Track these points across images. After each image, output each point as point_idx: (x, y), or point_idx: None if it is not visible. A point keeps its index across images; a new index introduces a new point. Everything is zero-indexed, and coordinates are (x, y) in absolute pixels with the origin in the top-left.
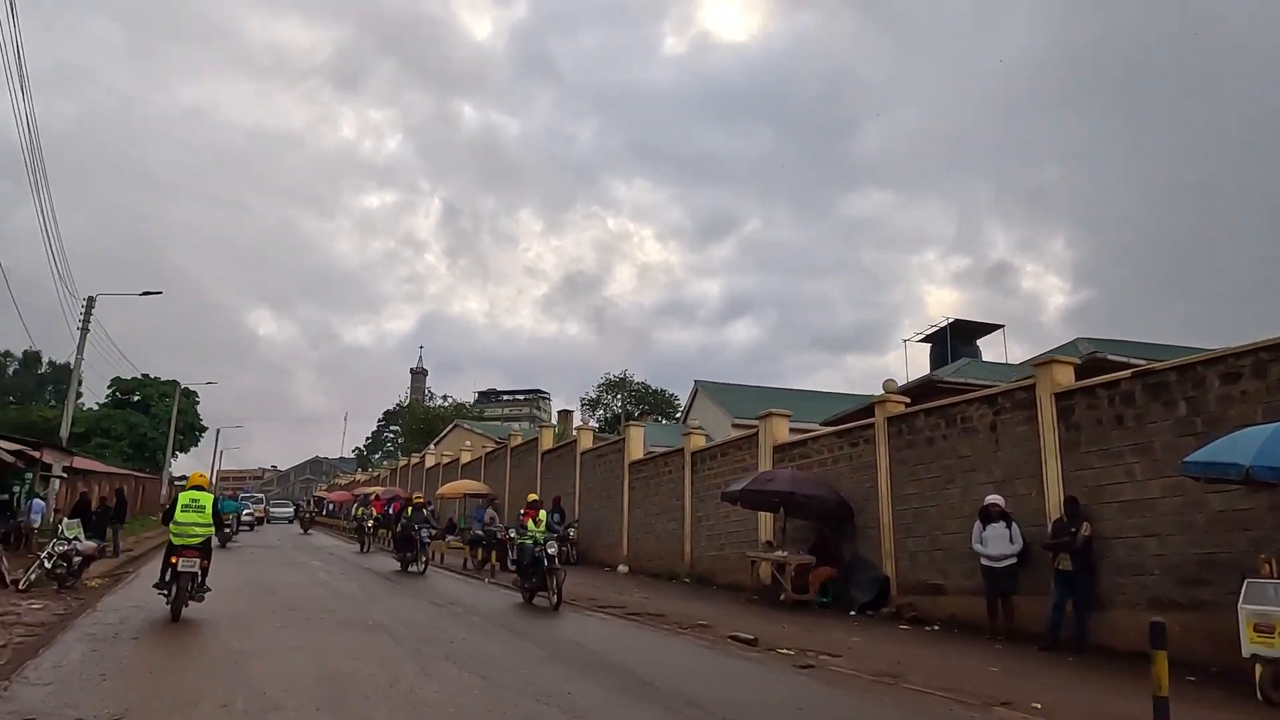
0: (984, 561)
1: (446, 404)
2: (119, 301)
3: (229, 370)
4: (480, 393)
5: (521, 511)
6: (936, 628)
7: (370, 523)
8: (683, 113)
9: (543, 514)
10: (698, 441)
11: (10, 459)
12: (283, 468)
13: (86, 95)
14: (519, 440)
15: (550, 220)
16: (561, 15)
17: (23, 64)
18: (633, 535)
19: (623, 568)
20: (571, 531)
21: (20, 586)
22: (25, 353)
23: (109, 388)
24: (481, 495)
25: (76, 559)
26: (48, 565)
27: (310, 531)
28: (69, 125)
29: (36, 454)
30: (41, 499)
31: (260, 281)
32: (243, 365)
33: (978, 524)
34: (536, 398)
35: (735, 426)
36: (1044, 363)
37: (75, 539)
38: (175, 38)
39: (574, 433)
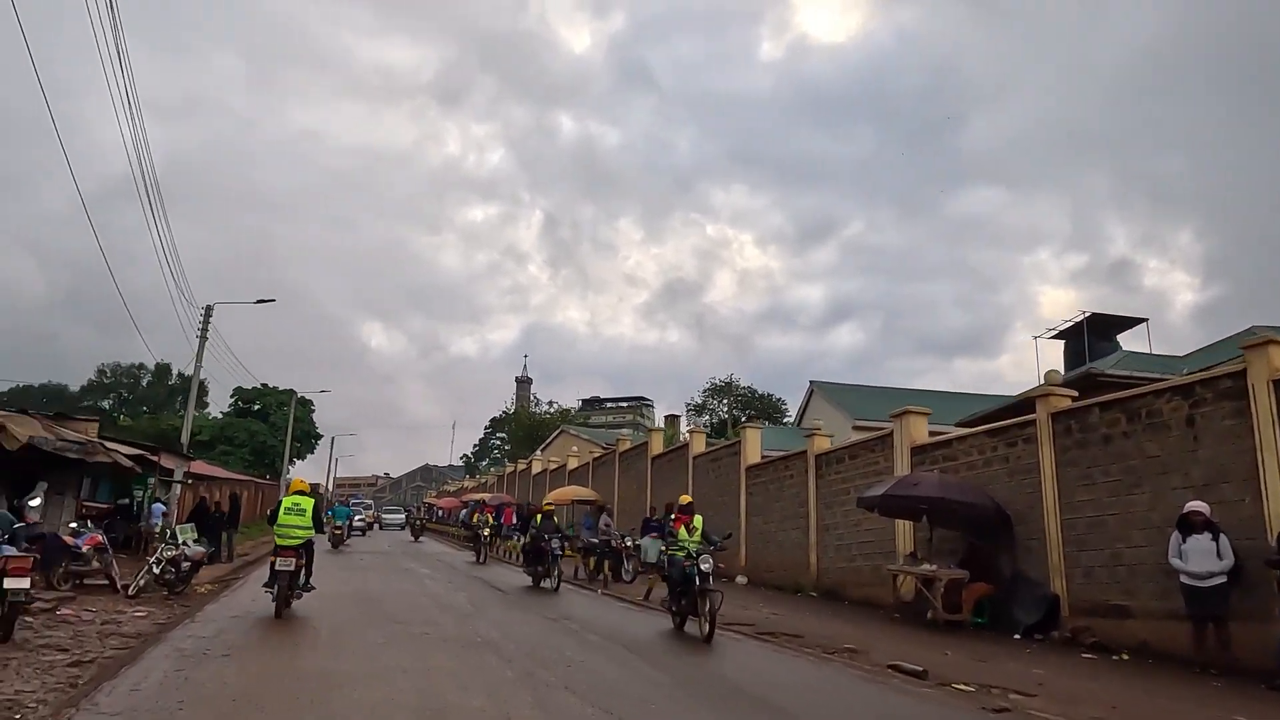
0: (1185, 580)
1: (552, 410)
2: (240, 318)
3: (342, 382)
4: (584, 400)
5: (672, 517)
6: (1126, 656)
7: (486, 530)
8: (781, 117)
9: (698, 520)
10: (822, 444)
11: (129, 464)
12: (394, 475)
13: (210, 123)
14: (627, 445)
15: (650, 228)
16: (658, 25)
17: (134, 98)
18: (751, 544)
19: (741, 579)
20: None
21: (129, 592)
22: (157, 365)
23: (231, 397)
24: (589, 502)
25: (185, 564)
26: (156, 571)
27: (421, 539)
28: (194, 151)
29: (155, 459)
30: (163, 503)
31: (371, 295)
32: (355, 377)
33: (1175, 535)
34: (640, 405)
35: (857, 429)
36: (1258, 344)
37: (184, 544)
38: (291, 65)
39: (684, 437)
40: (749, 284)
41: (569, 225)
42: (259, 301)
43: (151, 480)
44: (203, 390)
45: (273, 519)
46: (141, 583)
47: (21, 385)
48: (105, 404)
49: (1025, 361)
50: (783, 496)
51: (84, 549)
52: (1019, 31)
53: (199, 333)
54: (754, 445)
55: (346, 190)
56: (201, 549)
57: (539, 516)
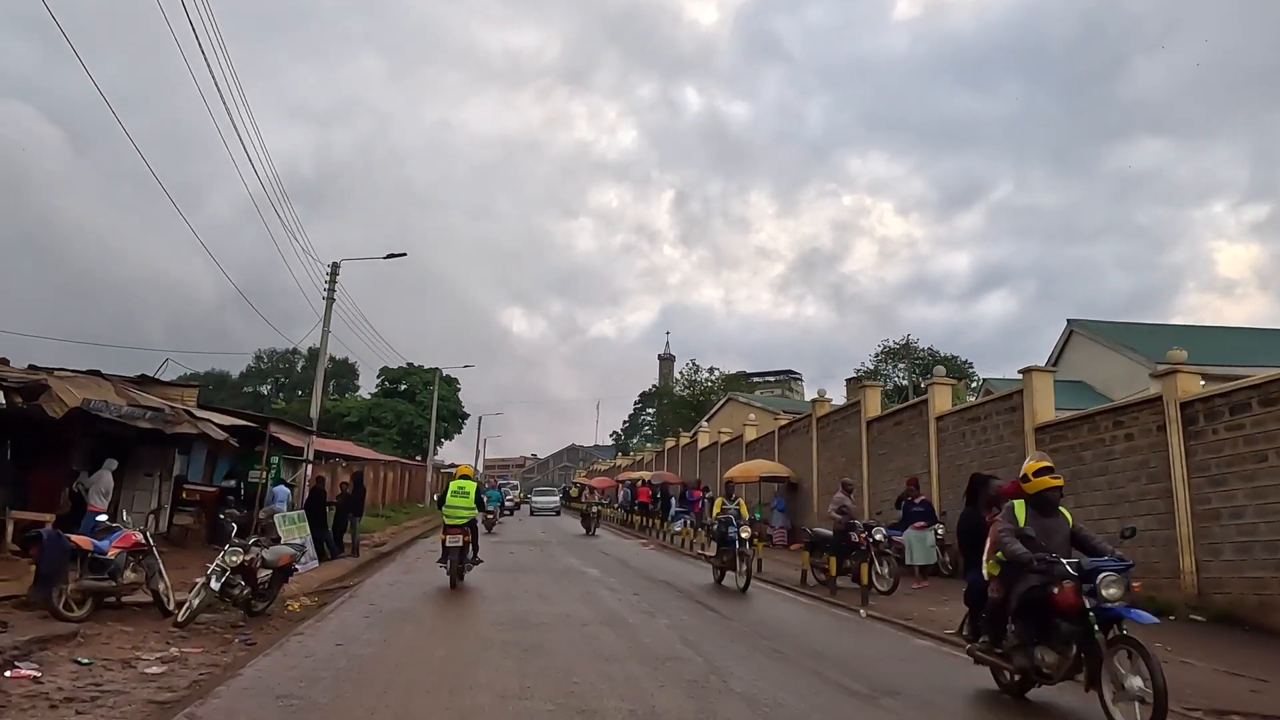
0: None
1: (714, 377)
2: (389, 306)
3: (487, 367)
4: (728, 376)
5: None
6: None
7: (595, 508)
8: (919, 78)
9: (1020, 507)
10: (1190, 385)
11: (222, 435)
12: (541, 456)
13: (357, 123)
14: (826, 409)
15: (784, 201)
16: None
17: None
18: None
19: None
20: (940, 531)
21: (179, 618)
22: (310, 349)
23: (378, 377)
24: (780, 479)
25: (264, 574)
26: (215, 586)
27: (597, 532)
28: (345, 152)
29: (265, 431)
30: (288, 486)
31: (511, 281)
32: (499, 361)
33: None
34: (789, 379)
35: (1161, 377)
36: None
37: (257, 544)
38: (427, 61)
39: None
40: (890, 253)
41: (700, 202)
42: (389, 256)
43: (275, 461)
44: (352, 373)
45: (441, 502)
46: (195, 603)
47: (188, 372)
48: (264, 389)
49: (1200, 323)
50: (1109, 467)
51: (109, 554)
52: None
53: (325, 293)
54: (1045, 396)
55: (485, 179)
56: (289, 549)
57: (715, 498)
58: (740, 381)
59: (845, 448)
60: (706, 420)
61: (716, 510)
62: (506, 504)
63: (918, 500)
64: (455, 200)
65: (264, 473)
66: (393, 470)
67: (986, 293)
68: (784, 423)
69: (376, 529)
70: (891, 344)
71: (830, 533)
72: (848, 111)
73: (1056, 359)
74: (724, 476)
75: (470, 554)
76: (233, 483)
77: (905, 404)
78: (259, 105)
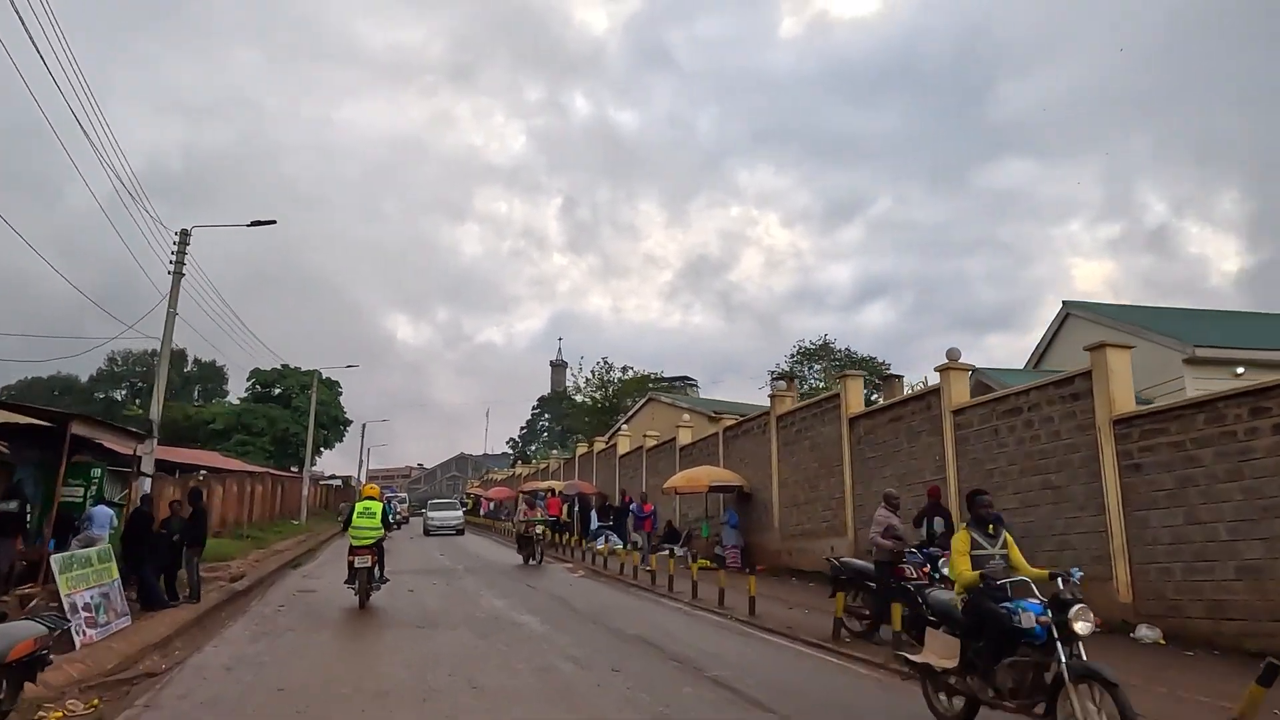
0: None
1: (627, 376)
2: (264, 308)
3: (370, 373)
4: (642, 377)
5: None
6: None
7: (540, 528)
8: (806, 94)
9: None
10: None
11: None
12: (428, 465)
13: (235, 119)
14: (789, 405)
15: (674, 210)
16: (675, 5)
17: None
18: (1140, 557)
19: (1146, 631)
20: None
21: None
22: (171, 352)
23: (249, 380)
24: (731, 487)
25: None
26: None
27: (539, 559)
28: (222, 148)
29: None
30: (114, 506)
31: (397, 285)
32: (384, 367)
33: None
34: (685, 385)
35: (1195, 363)
36: None
37: None
38: (310, 57)
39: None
40: (776, 263)
41: (590, 210)
42: (255, 223)
43: (96, 472)
44: (220, 378)
45: (347, 524)
46: None
47: (30, 378)
48: (118, 394)
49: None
50: (1245, 469)
51: None
52: None
53: (172, 266)
54: (1124, 381)
55: (370, 180)
56: (31, 631)
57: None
58: (664, 381)
59: (819, 450)
60: (625, 423)
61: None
62: (394, 519)
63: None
64: (338, 200)
65: (86, 489)
66: (262, 483)
67: (867, 303)
68: (730, 423)
69: (237, 554)
70: (808, 344)
71: (868, 565)
72: (736, 124)
73: (1046, 347)
74: (666, 486)
75: (378, 574)
76: (13, 505)
77: (909, 395)
78: (126, 96)
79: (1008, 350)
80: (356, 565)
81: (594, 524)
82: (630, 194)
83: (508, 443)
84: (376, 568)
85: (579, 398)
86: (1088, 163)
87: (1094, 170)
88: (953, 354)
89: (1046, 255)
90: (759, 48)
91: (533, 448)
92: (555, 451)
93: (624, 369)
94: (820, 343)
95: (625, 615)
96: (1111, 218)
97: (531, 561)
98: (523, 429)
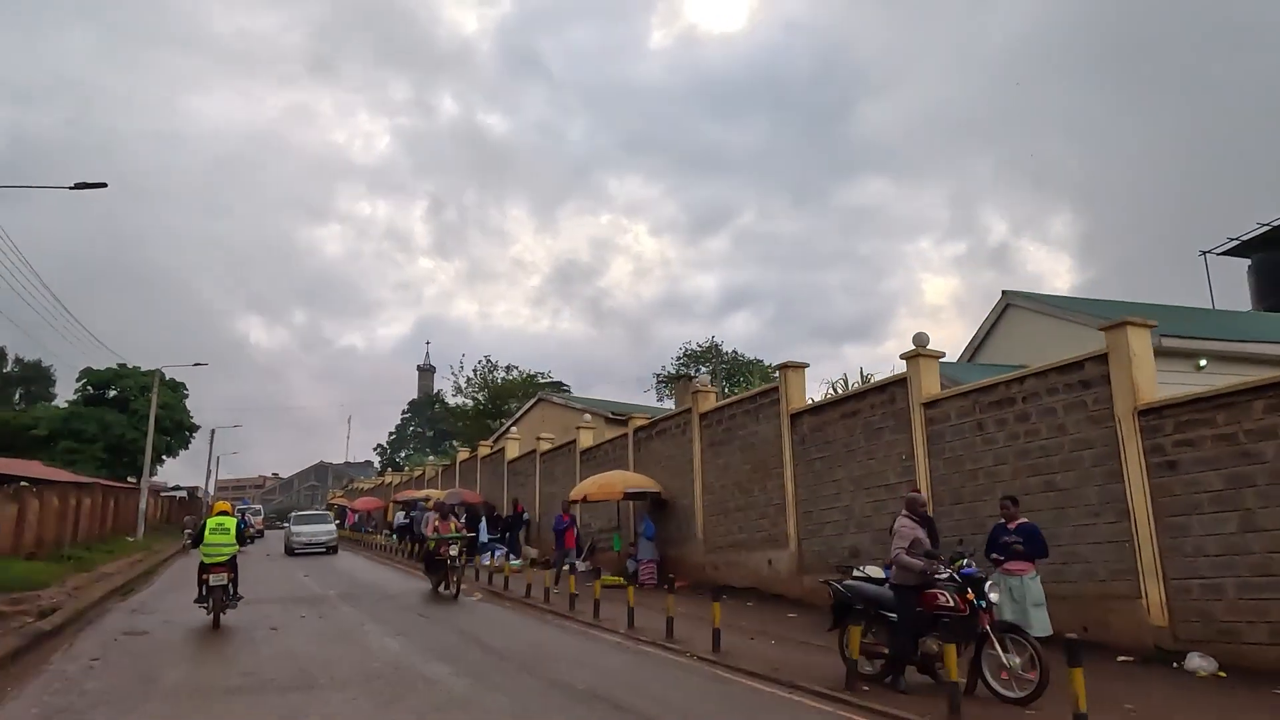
0: None
1: (513, 377)
2: (101, 303)
3: (220, 377)
4: (446, 405)
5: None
6: None
7: (455, 549)
8: (674, 106)
9: None
10: None
11: None
12: (284, 475)
13: (71, 104)
14: (713, 402)
15: (543, 217)
16: (546, 12)
17: None
18: (1177, 569)
19: (1200, 661)
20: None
21: None
22: None
23: (79, 380)
24: (645, 493)
25: None
26: None
27: (455, 590)
28: (55, 134)
29: None
30: None
31: (250, 286)
32: (235, 372)
33: None
34: (558, 390)
35: (1162, 354)
36: None
37: None
38: (148, 40)
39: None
40: (645, 272)
41: (457, 213)
42: (79, 186)
43: None
44: (47, 379)
45: (198, 541)
46: None
47: None
48: None
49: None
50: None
51: None
52: (907, 18)
53: None
54: (1146, 366)
55: (221, 174)
56: None
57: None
58: (553, 383)
59: (753, 451)
60: (512, 425)
61: None
62: (248, 533)
63: (1013, 525)
64: (183, 194)
65: None
66: (91, 495)
67: (731, 313)
68: (642, 423)
69: (52, 581)
70: (695, 346)
71: (882, 590)
72: (606, 133)
73: (984, 338)
74: (574, 494)
75: (232, 591)
76: None
77: (867, 387)
78: None
79: (863, 358)
80: (212, 583)
81: (484, 536)
82: (499, 199)
83: (375, 449)
84: (232, 585)
85: (457, 400)
86: (937, 183)
87: (943, 191)
88: (920, 339)
89: (899, 270)
90: (629, 59)
91: (402, 454)
92: (432, 458)
93: (508, 368)
94: (708, 344)
95: (560, 658)
96: (957, 236)
97: (445, 590)
98: (391, 435)
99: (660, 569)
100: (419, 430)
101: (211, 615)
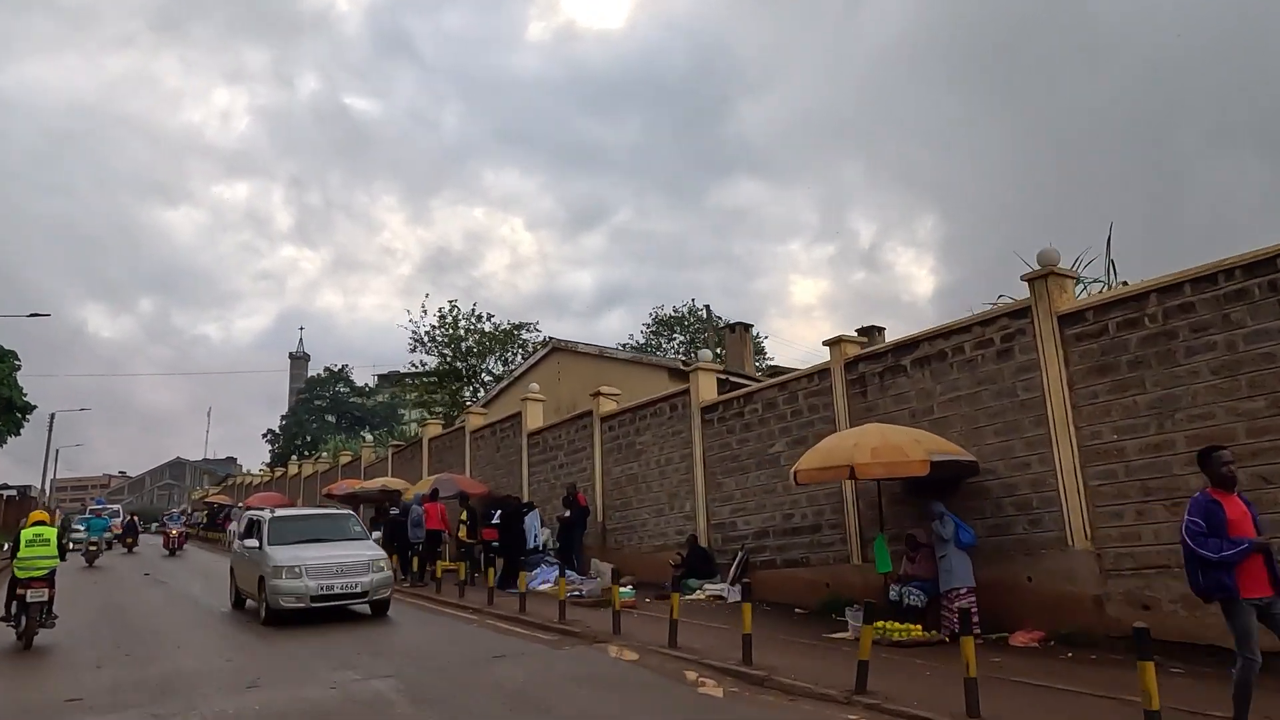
0: None
1: (495, 327)
2: None
3: (55, 367)
4: (380, 376)
5: None
6: None
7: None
8: (551, 100)
9: None
10: None
11: None
12: (133, 473)
13: None
14: (858, 354)
15: (416, 206)
16: None
17: None
18: None
19: None
20: None
21: None
22: None
23: None
24: (964, 464)
25: None
26: None
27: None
28: None
29: None
30: None
31: (91, 272)
32: (72, 362)
33: None
34: (404, 390)
35: None
36: None
37: None
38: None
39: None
40: (521, 266)
41: (323, 199)
42: None
43: None
44: None
45: (14, 552)
46: None
47: None
48: None
49: (776, 347)
50: None
51: None
52: (784, 20)
53: None
54: None
55: (58, 150)
56: None
57: None
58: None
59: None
60: (512, 384)
61: None
62: (106, 537)
63: None
64: (11, 169)
65: None
66: None
67: (607, 310)
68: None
69: None
70: (669, 312)
71: None
72: (481, 123)
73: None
74: (802, 468)
75: (48, 608)
76: None
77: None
78: None
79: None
80: (30, 600)
81: (534, 537)
82: (368, 185)
83: (266, 435)
84: (49, 603)
85: (416, 357)
86: (809, 184)
87: (812, 195)
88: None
89: (771, 271)
90: (505, 49)
91: (300, 441)
92: (368, 439)
93: (487, 316)
94: (687, 307)
95: None
96: (827, 238)
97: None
98: (284, 419)
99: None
100: (319, 411)
101: (22, 638)
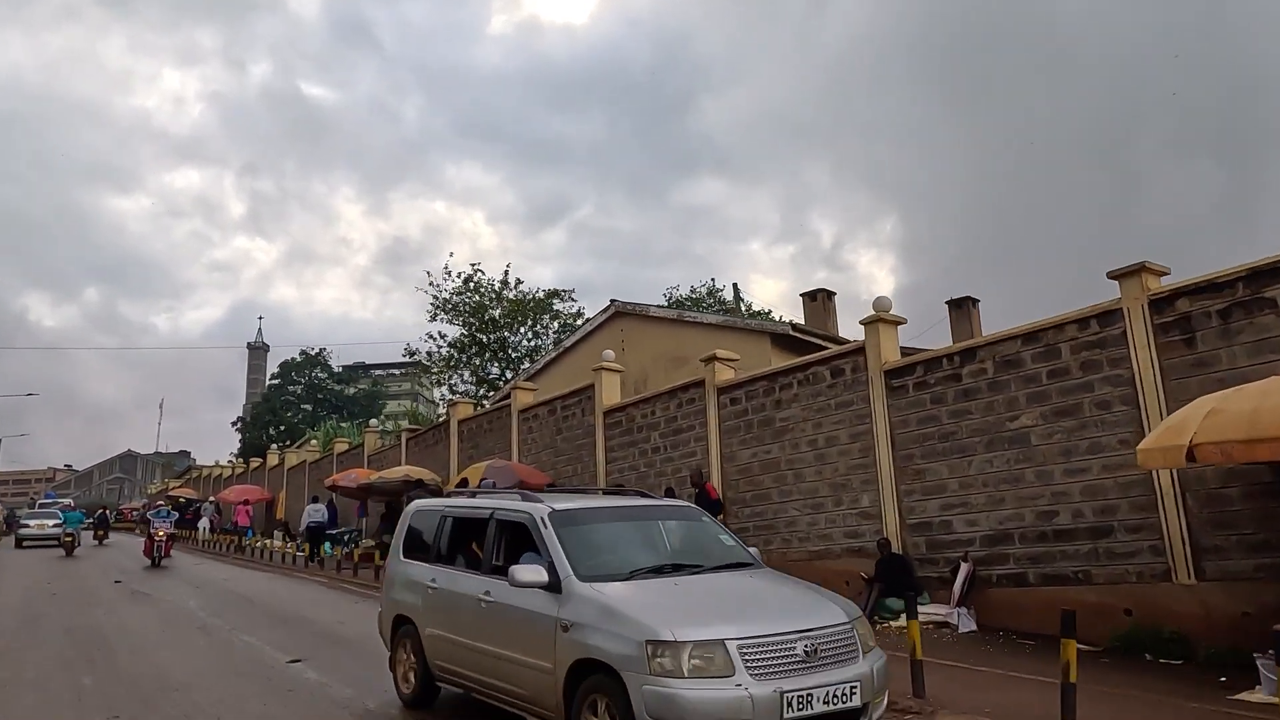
0: None
1: (529, 292)
2: None
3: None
4: (345, 367)
5: None
6: None
7: None
8: (513, 94)
9: None
10: None
11: None
12: (80, 467)
13: None
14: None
15: (375, 198)
16: None
17: None
18: None
19: None
20: None
21: None
22: None
23: None
24: None
25: None
26: None
27: None
28: None
29: None
30: None
31: (34, 260)
32: (10, 354)
33: None
34: (420, 371)
35: None
36: None
37: None
38: None
39: None
40: (482, 260)
41: (277, 188)
42: None
43: None
44: None
45: None
46: None
47: None
48: None
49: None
50: None
51: None
52: (746, 17)
53: None
54: None
55: (5, 135)
56: None
57: None
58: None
59: None
60: (570, 348)
61: None
62: (50, 529)
63: None
64: None
65: None
66: None
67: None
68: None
69: None
70: (687, 293)
71: None
72: (442, 115)
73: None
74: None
75: None
76: None
77: None
78: None
79: None
80: None
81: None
82: (326, 175)
83: (235, 423)
84: None
85: (435, 327)
86: (769, 188)
87: (773, 196)
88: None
89: (732, 270)
90: (467, 41)
91: (273, 431)
92: (345, 426)
93: (516, 283)
94: (706, 287)
95: None
96: (786, 240)
97: None
98: (255, 407)
99: None
100: (294, 394)
101: None
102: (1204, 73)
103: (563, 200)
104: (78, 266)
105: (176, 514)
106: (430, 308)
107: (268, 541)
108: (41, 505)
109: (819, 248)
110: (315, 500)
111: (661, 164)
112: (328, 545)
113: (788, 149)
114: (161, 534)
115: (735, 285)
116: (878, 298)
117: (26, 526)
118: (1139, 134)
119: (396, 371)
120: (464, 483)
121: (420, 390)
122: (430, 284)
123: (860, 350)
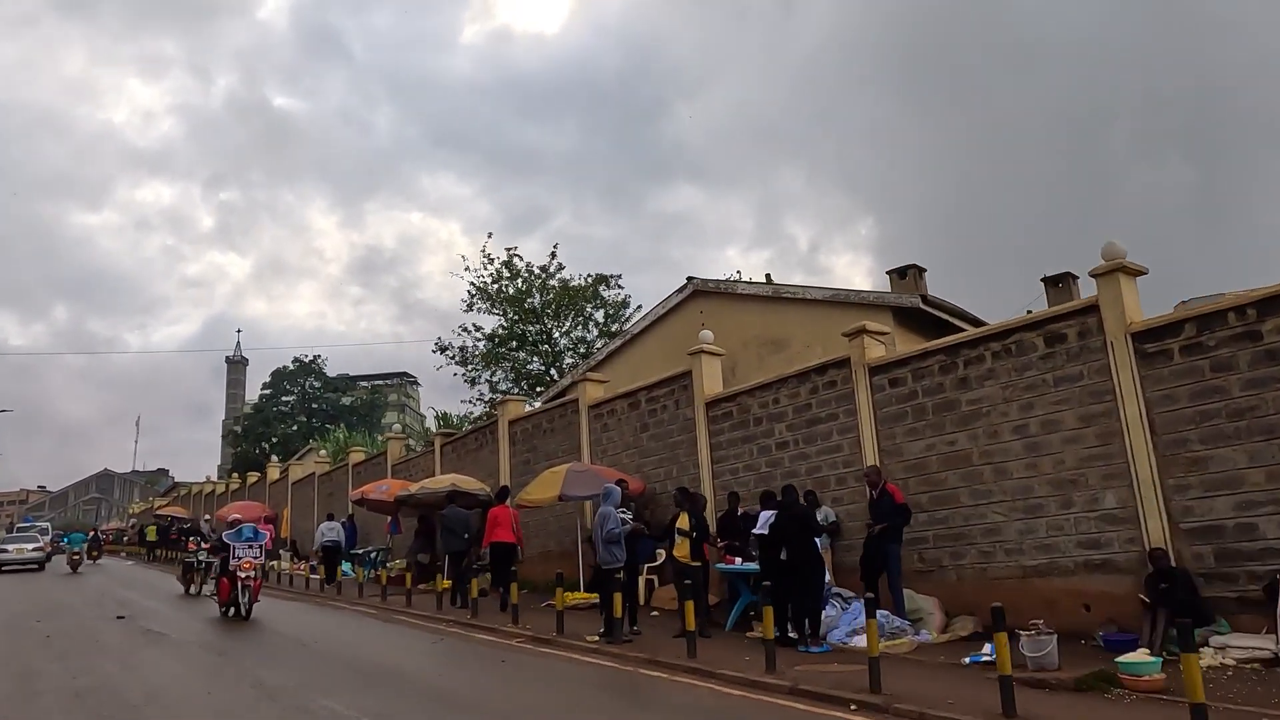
0: None
1: (562, 283)
2: None
3: None
4: (330, 378)
5: None
6: None
7: None
8: (486, 104)
9: None
10: None
11: None
12: (54, 488)
13: None
14: None
15: (349, 210)
16: None
17: None
18: None
19: None
20: None
21: None
22: None
23: None
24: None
25: None
26: None
27: None
28: None
29: None
30: None
31: (1, 278)
32: None
33: None
34: (403, 381)
35: None
36: None
37: None
38: None
39: None
40: (459, 269)
41: (246, 201)
42: None
43: None
44: None
45: None
46: None
47: None
48: None
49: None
50: None
51: None
52: (715, 22)
53: None
54: None
55: None
56: None
57: None
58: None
59: None
60: (632, 339)
61: None
62: (30, 553)
63: None
64: None
65: None
66: None
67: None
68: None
69: None
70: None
71: None
72: (415, 126)
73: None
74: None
75: None
76: None
77: None
78: None
79: None
80: None
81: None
82: (298, 187)
83: (226, 438)
84: None
85: (478, 317)
86: (743, 194)
87: (748, 201)
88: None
89: (711, 276)
90: (438, 51)
91: (264, 444)
92: (396, 428)
93: (556, 270)
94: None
95: None
96: (762, 245)
97: None
98: (245, 420)
99: None
100: (288, 404)
101: None
102: (1172, 70)
103: (538, 209)
104: (44, 283)
105: (265, 534)
106: (468, 295)
107: (274, 563)
108: (19, 529)
109: (796, 251)
110: (331, 517)
111: (636, 171)
112: (347, 566)
113: (761, 153)
114: (249, 568)
115: (768, 276)
116: (1108, 243)
117: (5, 551)
118: (1109, 131)
119: (383, 382)
120: (504, 490)
121: (406, 401)
122: (465, 268)
123: (1092, 309)
